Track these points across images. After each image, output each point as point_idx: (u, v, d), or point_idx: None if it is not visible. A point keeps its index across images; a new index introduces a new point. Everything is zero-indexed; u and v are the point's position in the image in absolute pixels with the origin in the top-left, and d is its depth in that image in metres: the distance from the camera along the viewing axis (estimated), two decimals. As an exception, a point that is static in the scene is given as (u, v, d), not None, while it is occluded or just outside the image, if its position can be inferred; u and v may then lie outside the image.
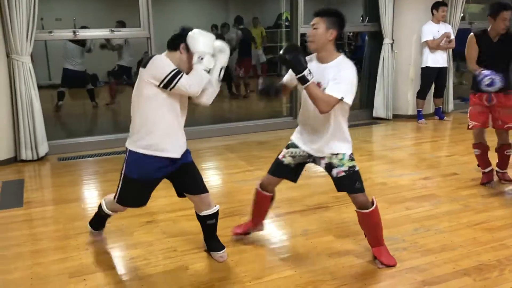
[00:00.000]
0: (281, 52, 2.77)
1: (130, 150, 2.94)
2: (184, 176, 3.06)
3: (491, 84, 4.00)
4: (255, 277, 2.97)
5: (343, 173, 2.97)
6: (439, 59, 6.94)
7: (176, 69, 2.77)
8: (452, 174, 4.85)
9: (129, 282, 2.96)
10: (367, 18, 7.51)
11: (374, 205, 3.02)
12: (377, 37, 7.48)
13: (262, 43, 11.98)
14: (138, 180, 2.96)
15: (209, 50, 2.86)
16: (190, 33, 2.86)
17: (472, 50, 4.29)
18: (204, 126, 6.72)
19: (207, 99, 2.99)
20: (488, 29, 4.26)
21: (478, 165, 4.60)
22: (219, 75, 2.99)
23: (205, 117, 8.10)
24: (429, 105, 7.46)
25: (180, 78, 2.74)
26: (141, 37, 6.11)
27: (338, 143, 2.98)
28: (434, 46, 6.84)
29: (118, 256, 3.33)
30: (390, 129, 6.87)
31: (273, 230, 3.70)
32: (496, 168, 4.59)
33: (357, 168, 3.00)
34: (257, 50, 11.59)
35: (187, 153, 3.06)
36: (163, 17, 8.43)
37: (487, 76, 4.02)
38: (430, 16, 6.95)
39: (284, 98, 7.90)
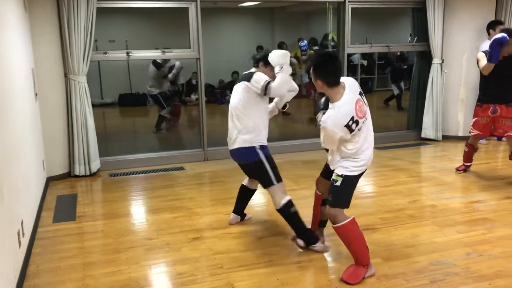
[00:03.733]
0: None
1: (251, 147, 3.68)
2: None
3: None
4: (301, 297, 2.95)
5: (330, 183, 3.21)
6: None
7: (269, 79, 3.62)
8: (506, 198, 4.66)
9: (177, 297, 3.01)
10: (415, 38, 7.41)
11: (342, 223, 3.11)
12: (426, 57, 7.36)
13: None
14: (268, 156, 3.71)
15: (285, 61, 3.64)
16: (270, 53, 3.67)
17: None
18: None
19: (290, 96, 3.87)
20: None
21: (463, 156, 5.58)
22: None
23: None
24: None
25: (270, 84, 3.59)
26: (191, 58, 6.29)
27: (338, 163, 3.15)
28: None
29: (166, 271, 3.38)
30: (439, 150, 6.71)
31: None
32: None
33: (337, 183, 3.11)
34: (300, 70, 11.65)
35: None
36: (211, 39, 8.63)
37: None
38: (481, 35, 6.79)
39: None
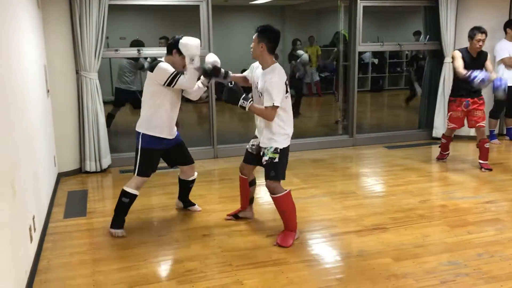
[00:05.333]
0: (223, 98, 3.62)
1: (139, 132, 3.88)
2: (179, 151, 4.17)
3: (482, 81, 5.22)
4: (310, 296, 2.94)
5: (265, 162, 3.62)
6: None
7: (175, 71, 3.70)
8: (518, 199, 4.62)
9: (185, 294, 3.01)
10: (427, 36, 7.35)
11: (281, 194, 3.63)
12: (438, 56, 7.30)
13: (317, 61, 12.04)
14: (149, 149, 3.87)
15: (197, 52, 3.77)
16: (181, 40, 3.75)
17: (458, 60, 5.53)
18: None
19: (196, 95, 3.98)
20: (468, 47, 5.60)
21: (439, 146, 6.12)
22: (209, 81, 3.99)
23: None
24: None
25: (179, 78, 3.71)
26: (202, 56, 6.27)
27: (271, 137, 3.60)
28: (510, 63, 6.64)
29: (175, 268, 3.39)
30: (450, 150, 6.64)
31: (328, 250, 3.66)
32: (479, 161, 5.67)
33: (276, 160, 3.58)
34: (311, 68, 11.63)
35: (178, 135, 4.11)
36: (222, 36, 8.61)
37: (476, 76, 5.22)
38: (495, 34, 6.72)
39: (341, 117, 7.84)
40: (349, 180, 5.51)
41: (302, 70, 10.18)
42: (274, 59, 3.59)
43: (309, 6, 12.68)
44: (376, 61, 14.31)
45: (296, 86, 10.01)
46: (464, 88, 5.54)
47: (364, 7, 6.77)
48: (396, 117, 10.48)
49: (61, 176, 5.58)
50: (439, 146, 6.13)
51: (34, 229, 3.47)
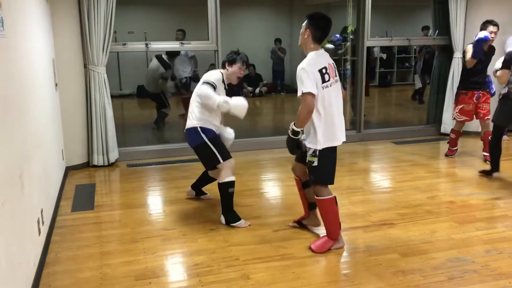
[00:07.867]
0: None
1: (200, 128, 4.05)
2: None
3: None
4: (317, 291, 2.94)
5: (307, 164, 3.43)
6: None
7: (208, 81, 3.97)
8: (527, 195, 4.58)
9: (192, 288, 3.02)
10: (437, 31, 7.29)
11: (324, 197, 3.37)
12: (447, 51, 7.24)
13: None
14: (215, 137, 4.04)
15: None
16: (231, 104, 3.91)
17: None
18: (266, 137, 6.76)
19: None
20: None
21: (448, 142, 6.13)
22: None
23: (266, 128, 8.17)
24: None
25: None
26: (210, 50, 6.28)
27: (309, 138, 3.34)
28: None
29: (182, 262, 3.40)
30: (459, 146, 6.61)
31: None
32: (483, 153, 5.77)
33: (314, 164, 3.32)
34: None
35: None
36: (230, 31, 8.59)
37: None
38: (505, 29, 6.63)
39: (348, 112, 7.80)
40: (356, 175, 5.49)
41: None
42: (315, 47, 3.30)
43: (318, 0, 12.62)
44: (384, 56, 14.25)
45: None
46: (475, 82, 5.65)
47: (373, 1, 6.73)
48: (404, 112, 10.43)
49: (69, 170, 5.61)
50: (448, 142, 6.14)
51: (42, 222, 3.50)
